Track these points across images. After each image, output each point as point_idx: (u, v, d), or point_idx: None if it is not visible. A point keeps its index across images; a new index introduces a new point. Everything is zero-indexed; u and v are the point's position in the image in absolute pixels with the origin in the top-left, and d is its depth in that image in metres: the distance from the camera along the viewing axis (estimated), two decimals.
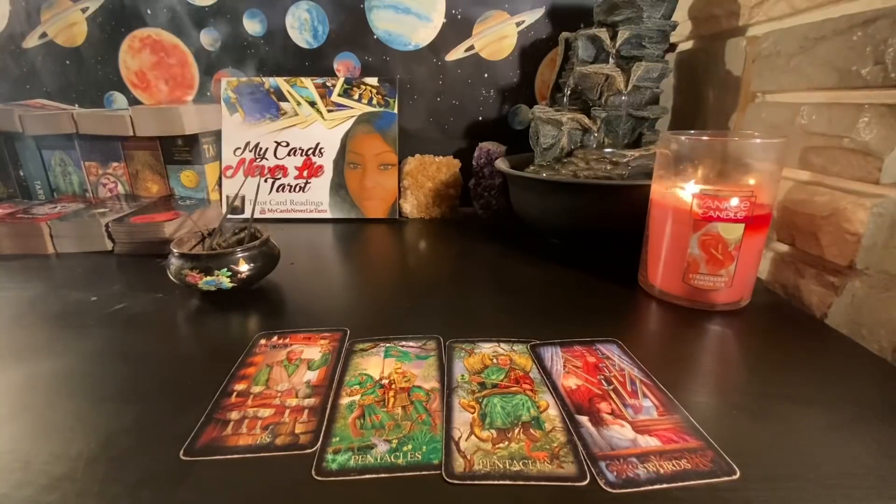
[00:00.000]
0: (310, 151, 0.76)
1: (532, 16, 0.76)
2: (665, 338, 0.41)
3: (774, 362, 0.36)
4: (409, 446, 0.28)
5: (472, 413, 0.30)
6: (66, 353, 0.38)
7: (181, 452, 0.27)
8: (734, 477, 0.25)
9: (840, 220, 0.41)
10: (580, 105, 0.62)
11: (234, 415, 0.30)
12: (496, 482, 0.25)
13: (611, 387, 0.33)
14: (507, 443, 0.28)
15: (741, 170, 0.41)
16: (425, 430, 0.29)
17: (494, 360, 0.36)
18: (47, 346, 0.39)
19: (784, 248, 0.49)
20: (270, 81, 0.77)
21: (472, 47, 0.78)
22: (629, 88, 0.56)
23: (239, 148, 0.76)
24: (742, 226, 0.40)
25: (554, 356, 0.37)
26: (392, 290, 0.52)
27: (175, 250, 0.45)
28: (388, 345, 0.38)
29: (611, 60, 0.57)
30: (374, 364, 0.36)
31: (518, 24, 0.76)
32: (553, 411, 0.31)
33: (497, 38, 0.77)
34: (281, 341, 0.39)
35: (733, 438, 0.28)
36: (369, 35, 0.78)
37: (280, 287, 0.50)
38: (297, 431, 0.29)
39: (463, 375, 0.34)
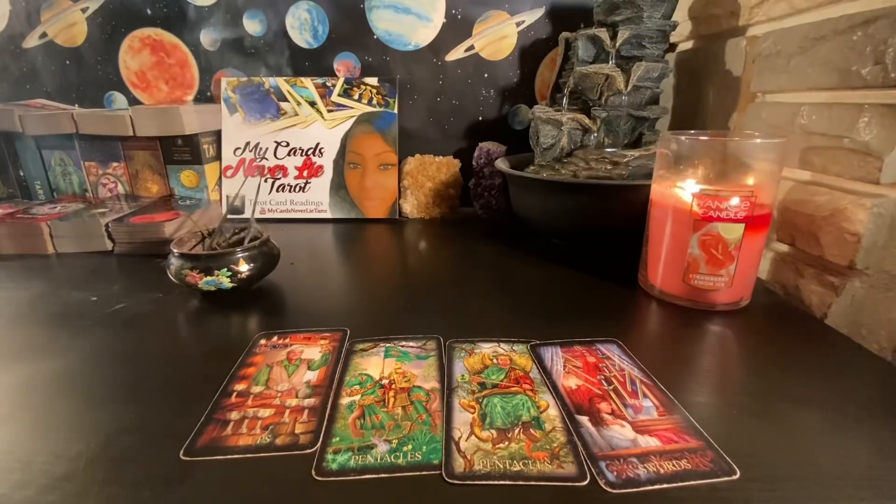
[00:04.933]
0: (310, 151, 0.76)
1: (532, 16, 0.76)
2: (665, 338, 0.41)
3: (774, 362, 0.36)
4: (410, 446, 0.28)
5: (472, 413, 0.30)
6: (66, 353, 0.38)
7: (181, 452, 0.27)
8: (734, 477, 0.25)
9: (840, 220, 0.41)
10: (580, 105, 0.62)
11: (234, 415, 0.30)
12: (496, 482, 0.25)
13: (611, 387, 0.33)
14: (507, 443, 0.28)
15: (741, 170, 0.41)
16: (425, 431, 0.29)
17: (494, 360, 0.36)
18: (47, 346, 0.39)
19: (784, 248, 0.49)
20: (270, 81, 0.77)
21: (472, 47, 0.78)
22: (629, 88, 0.56)
23: (239, 148, 0.76)
24: (742, 226, 0.40)
25: (554, 356, 0.37)
26: (392, 290, 0.52)
27: (175, 250, 0.45)
28: (388, 345, 0.38)
29: (611, 60, 0.57)
30: (374, 364, 0.36)
31: (518, 24, 0.76)
32: (553, 411, 0.31)
33: (497, 38, 0.77)
34: (281, 341, 0.39)
35: (733, 438, 0.28)
36: (369, 35, 0.78)
37: (280, 287, 0.50)
38: (297, 431, 0.29)
39: (463, 375, 0.34)
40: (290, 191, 0.76)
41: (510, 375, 0.34)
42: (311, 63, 0.79)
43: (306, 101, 0.77)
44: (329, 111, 0.76)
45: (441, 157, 0.77)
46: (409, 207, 0.76)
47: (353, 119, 0.76)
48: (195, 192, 0.75)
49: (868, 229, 0.39)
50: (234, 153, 0.76)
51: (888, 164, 0.37)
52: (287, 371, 0.35)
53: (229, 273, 0.44)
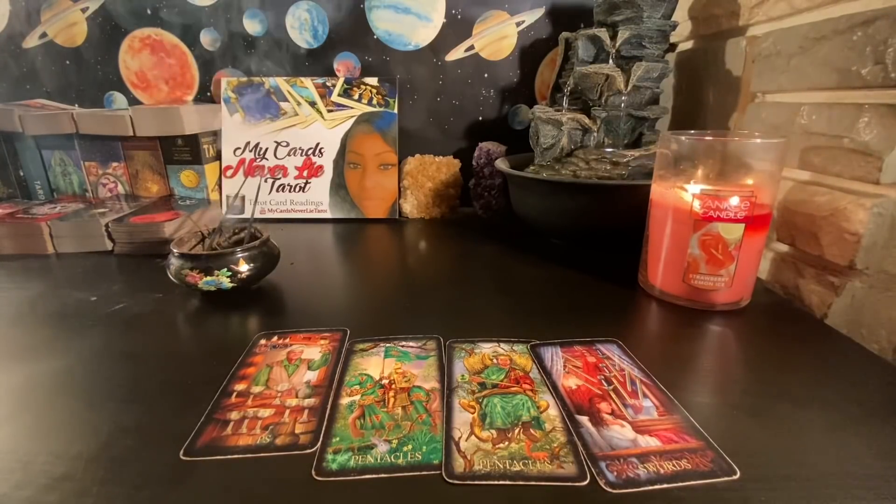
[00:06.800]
0: (310, 151, 0.76)
1: (532, 16, 0.76)
2: (665, 338, 0.41)
3: (774, 362, 0.36)
4: (410, 446, 0.28)
5: (472, 413, 0.30)
6: (66, 353, 0.38)
7: (181, 452, 0.27)
8: (734, 477, 0.25)
9: (840, 220, 0.41)
10: (580, 105, 0.62)
11: (234, 415, 0.30)
12: (496, 482, 0.25)
13: (611, 387, 0.33)
14: (507, 443, 0.28)
15: (741, 170, 0.41)
16: (425, 431, 0.29)
17: (494, 360, 0.36)
18: (47, 346, 0.39)
19: (784, 248, 0.49)
20: (270, 81, 0.77)
21: (472, 47, 0.78)
22: (629, 88, 0.56)
23: (239, 148, 0.76)
24: (742, 226, 0.40)
25: (554, 356, 0.37)
26: (392, 290, 0.52)
27: (175, 250, 0.45)
28: (388, 345, 0.38)
29: (611, 60, 0.57)
30: (374, 364, 0.36)
31: (518, 24, 0.76)
32: (553, 411, 0.31)
33: (497, 38, 0.77)
34: (281, 341, 0.39)
35: (733, 438, 0.28)
36: (369, 35, 0.78)
37: (280, 287, 0.50)
38: (297, 431, 0.29)
39: (463, 375, 0.34)
40: (290, 191, 0.76)
41: (510, 375, 0.34)
42: (311, 63, 0.79)
43: (306, 101, 0.77)
44: (329, 111, 0.76)
45: (441, 157, 0.77)
46: (409, 207, 0.76)
47: (353, 119, 0.76)
48: (195, 192, 0.75)
49: (868, 229, 0.39)
50: (234, 153, 0.76)
51: (888, 164, 0.37)
52: (287, 371, 0.35)
53: (229, 273, 0.44)
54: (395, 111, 0.76)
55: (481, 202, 0.75)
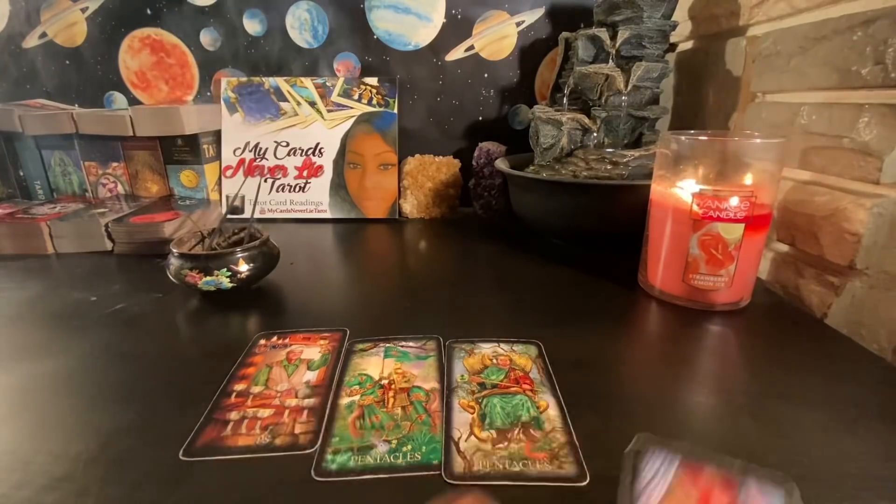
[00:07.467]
0: (310, 151, 0.76)
1: (532, 16, 0.76)
2: (665, 338, 0.41)
3: (774, 362, 0.36)
4: (409, 447, 0.28)
5: (472, 413, 0.30)
6: (66, 353, 0.38)
7: (181, 452, 0.27)
8: None
9: (840, 220, 0.41)
10: (580, 105, 0.62)
11: (234, 415, 0.30)
12: (496, 482, 0.25)
13: None
14: (506, 443, 0.28)
15: (741, 170, 0.41)
16: (425, 431, 0.29)
17: (494, 361, 0.36)
18: (47, 346, 0.39)
19: (784, 248, 0.48)
20: (270, 81, 0.77)
21: (472, 47, 0.78)
22: (629, 88, 0.56)
23: (239, 148, 0.76)
24: (742, 226, 0.40)
25: None
26: (392, 290, 0.52)
27: (175, 250, 0.45)
28: (387, 345, 0.38)
29: (611, 60, 0.57)
30: (373, 364, 0.36)
31: (518, 24, 0.76)
32: (553, 411, 0.31)
33: (497, 38, 0.77)
34: (280, 341, 0.39)
35: (733, 438, 0.28)
36: (369, 35, 0.78)
37: (280, 287, 0.50)
38: (296, 432, 0.29)
39: (463, 376, 0.34)
40: (290, 191, 0.76)
41: (510, 376, 0.34)
42: (311, 63, 0.79)
43: (306, 101, 0.77)
44: (329, 111, 0.76)
45: (441, 157, 0.77)
46: (409, 207, 0.76)
47: (353, 119, 0.76)
48: (195, 192, 0.75)
49: (868, 229, 0.39)
50: (234, 153, 0.76)
51: (888, 164, 0.37)
52: (287, 371, 0.35)
53: (229, 273, 0.44)
54: (395, 111, 0.76)
55: (481, 202, 0.75)
